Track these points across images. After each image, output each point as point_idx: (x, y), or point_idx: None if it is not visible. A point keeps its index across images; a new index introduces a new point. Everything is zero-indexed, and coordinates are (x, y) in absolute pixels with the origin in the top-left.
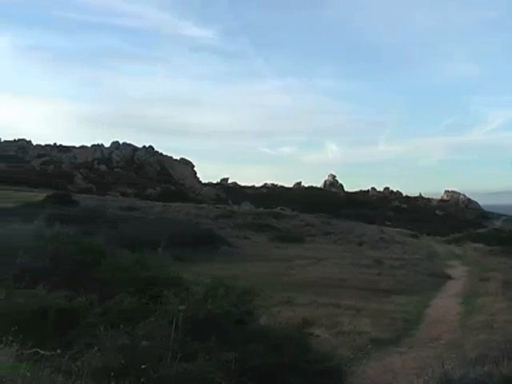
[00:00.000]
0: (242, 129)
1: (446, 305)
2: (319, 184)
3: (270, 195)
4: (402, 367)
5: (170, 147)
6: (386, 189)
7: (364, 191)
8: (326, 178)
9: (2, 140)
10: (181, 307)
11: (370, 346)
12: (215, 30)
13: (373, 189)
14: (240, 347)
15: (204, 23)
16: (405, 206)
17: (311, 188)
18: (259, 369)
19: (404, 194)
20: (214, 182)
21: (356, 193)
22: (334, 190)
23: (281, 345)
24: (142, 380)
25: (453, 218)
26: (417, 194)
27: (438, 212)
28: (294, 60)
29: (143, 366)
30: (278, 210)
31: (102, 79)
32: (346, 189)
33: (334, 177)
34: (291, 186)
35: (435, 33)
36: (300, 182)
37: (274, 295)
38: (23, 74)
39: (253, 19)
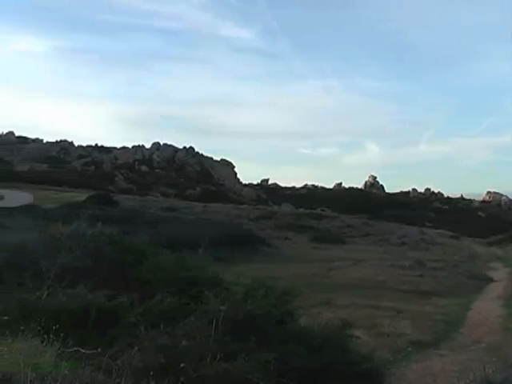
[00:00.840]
0: (283, 129)
1: (487, 307)
2: (360, 185)
3: (311, 196)
4: (442, 370)
5: (211, 148)
6: (427, 190)
7: (405, 192)
8: (367, 178)
9: (45, 141)
10: (221, 307)
11: (409, 349)
12: (255, 31)
13: (413, 190)
14: (280, 348)
15: (244, 24)
16: (446, 207)
17: (351, 189)
18: (299, 370)
19: (445, 195)
20: (255, 182)
21: (397, 194)
22: (374, 190)
23: (320, 346)
24: (182, 379)
25: (495, 220)
26: (458, 195)
27: (480, 213)
28: (335, 60)
29: (182, 365)
30: (318, 211)
31: (143, 80)
32: (386, 190)
33: (375, 178)
34: (331, 186)
35: (474, 31)
36: (340, 183)
37: (314, 296)
38: (65, 76)
39: (293, 19)
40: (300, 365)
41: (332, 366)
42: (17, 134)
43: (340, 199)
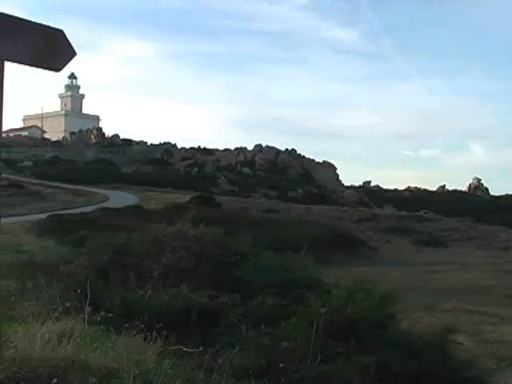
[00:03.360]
0: (385, 131)
1: None
2: (463, 187)
3: (413, 198)
4: None
5: (313, 150)
6: None
7: (510, 195)
8: (471, 181)
9: (149, 144)
10: (322, 310)
11: None
12: (358, 31)
13: None
14: (380, 352)
15: (346, 25)
16: None
17: (455, 191)
18: (399, 375)
19: None
20: (357, 184)
21: (502, 196)
22: (478, 193)
23: (421, 351)
24: (282, 380)
25: None
26: None
27: None
28: (438, 60)
29: (281, 365)
30: (420, 213)
31: (245, 83)
32: (491, 192)
33: (479, 180)
34: (434, 189)
35: None
36: (444, 186)
37: (415, 300)
38: (168, 79)
39: (395, 19)
40: (400, 370)
41: (433, 372)
42: (122, 137)
43: (443, 202)
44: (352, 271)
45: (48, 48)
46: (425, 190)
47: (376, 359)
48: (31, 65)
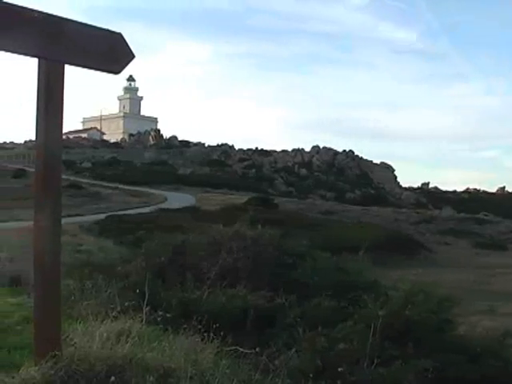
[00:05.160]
0: (444, 132)
1: None
2: None
3: (472, 200)
4: None
5: (370, 151)
6: None
7: None
8: None
9: (206, 145)
10: (380, 312)
11: None
12: (416, 31)
13: None
14: (437, 356)
15: (404, 25)
16: None
17: None
18: (457, 380)
19: None
20: (415, 186)
21: None
22: None
23: (480, 356)
24: (338, 382)
25: None
26: None
27: None
28: (497, 59)
29: (340, 369)
30: (480, 215)
31: (302, 84)
32: None
33: None
34: (494, 190)
35: None
36: (503, 187)
37: (474, 304)
38: (225, 81)
39: (453, 19)
40: (458, 374)
41: (492, 377)
42: (179, 139)
43: (503, 203)
44: (409, 274)
45: (107, 51)
46: (484, 191)
47: (433, 363)
48: (91, 68)
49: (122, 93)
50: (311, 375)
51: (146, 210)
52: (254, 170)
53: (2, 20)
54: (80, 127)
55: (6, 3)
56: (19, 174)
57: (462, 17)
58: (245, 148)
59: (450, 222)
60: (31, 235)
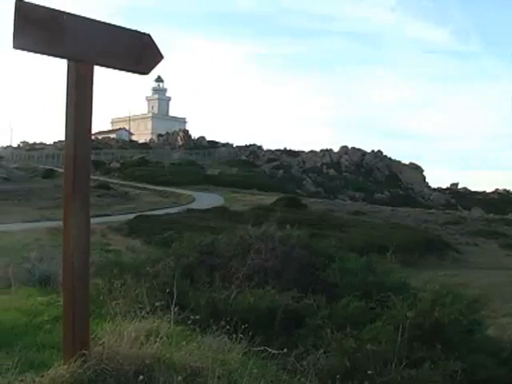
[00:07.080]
0: (473, 132)
1: None
2: None
3: (502, 201)
4: None
5: (399, 152)
6: None
7: None
8: None
9: (235, 145)
10: (409, 313)
11: None
12: (445, 31)
13: None
14: (466, 358)
15: (434, 24)
16: None
17: None
18: (487, 382)
19: None
20: (444, 187)
21: None
22: None
23: (509, 358)
24: (366, 383)
25: None
26: None
27: None
28: None
29: (369, 372)
30: (509, 216)
31: (331, 83)
32: None
33: None
34: None
35: None
36: None
37: (504, 305)
38: (255, 80)
39: (486, 18)
40: (487, 377)
41: None
42: (208, 139)
43: None
44: (439, 275)
45: (136, 52)
46: None
47: (463, 365)
48: (119, 69)
49: (150, 93)
50: (338, 376)
51: (175, 210)
52: (282, 171)
53: (31, 21)
54: (109, 128)
55: (34, 4)
56: (49, 174)
57: (493, 16)
58: (273, 148)
59: (479, 222)
60: (61, 235)
